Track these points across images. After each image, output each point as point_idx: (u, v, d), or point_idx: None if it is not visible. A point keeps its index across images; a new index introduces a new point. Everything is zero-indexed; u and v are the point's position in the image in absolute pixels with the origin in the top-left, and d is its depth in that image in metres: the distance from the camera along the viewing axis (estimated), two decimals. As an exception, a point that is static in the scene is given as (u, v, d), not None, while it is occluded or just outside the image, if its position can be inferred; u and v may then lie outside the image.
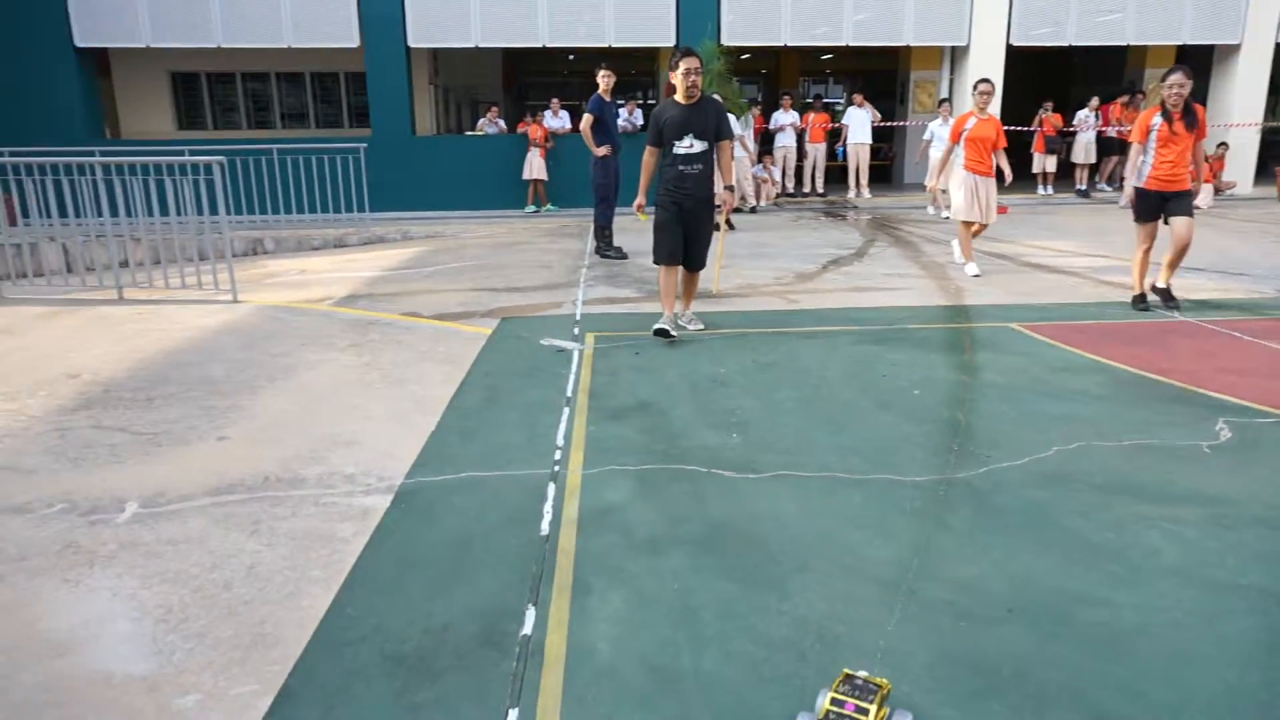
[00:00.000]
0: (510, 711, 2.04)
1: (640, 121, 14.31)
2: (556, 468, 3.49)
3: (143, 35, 12.73)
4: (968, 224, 7.61)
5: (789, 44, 13.91)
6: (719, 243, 5.69)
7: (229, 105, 15.99)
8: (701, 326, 5.69)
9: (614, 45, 13.50)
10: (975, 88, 7.38)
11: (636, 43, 13.55)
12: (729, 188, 5.55)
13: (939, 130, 11.93)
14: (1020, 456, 3.53)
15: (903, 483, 3.29)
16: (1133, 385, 4.47)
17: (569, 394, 4.44)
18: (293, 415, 4.15)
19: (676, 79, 5.24)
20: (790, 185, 14.90)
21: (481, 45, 13.36)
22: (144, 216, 7.89)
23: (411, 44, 13.07)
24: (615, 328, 5.88)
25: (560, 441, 3.77)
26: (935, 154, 11.34)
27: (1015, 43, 13.63)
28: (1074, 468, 3.41)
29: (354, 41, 12.92)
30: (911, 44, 14.03)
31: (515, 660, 2.24)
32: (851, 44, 13.87)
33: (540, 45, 13.47)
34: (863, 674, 1.98)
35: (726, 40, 13.33)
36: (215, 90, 15.87)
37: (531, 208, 13.38)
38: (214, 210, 7.24)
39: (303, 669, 2.22)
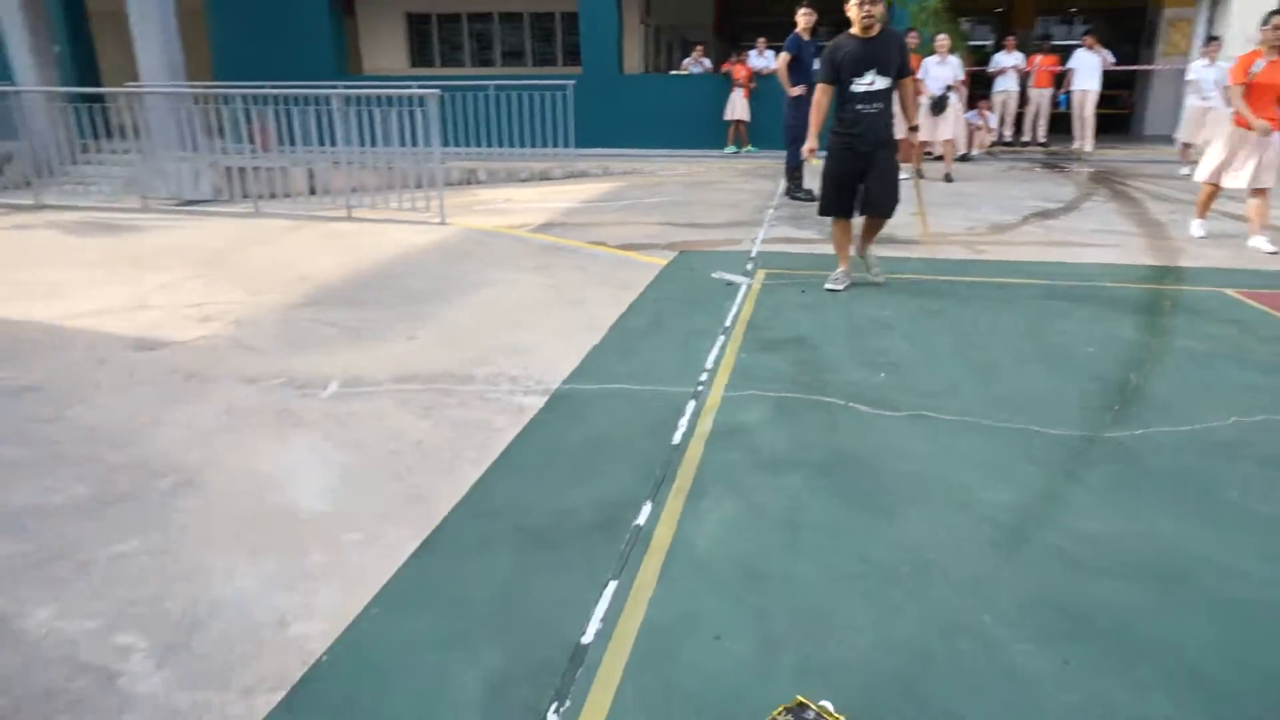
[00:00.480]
0: (610, 583, 2.29)
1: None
2: (700, 388, 3.68)
3: (385, -22, 13.79)
4: (1214, 186, 6.49)
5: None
6: (916, 189, 5.47)
7: (455, 44, 17.04)
8: (882, 281, 5.35)
9: (829, -19, 13.06)
10: (1267, 21, 6.00)
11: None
12: (914, 128, 5.24)
13: (1204, 73, 10.44)
14: (1189, 423, 3.31)
15: (1044, 434, 3.20)
16: (1353, 361, 4.00)
17: (727, 323, 4.59)
18: (474, 324, 4.60)
19: (850, 9, 4.86)
20: (1008, 133, 13.93)
21: (692, -18, 13.36)
22: (372, 146, 8.72)
23: (625, -20, 13.31)
24: (788, 266, 5.92)
25: (709, 365, 3.95)
26: (1194, 103, 10.17)
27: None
28: (1249, 439, 3.16)
29: (569, -21, 13.34)
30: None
31: (624, 544, 2.48)
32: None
33: (752, -17, 13.28)
34: (823, 703, 1.81)
35: (947, -25, 12.55)
36: (443, 30, 16.95)
37: (731, 148, 13.41)
38: (429, 142, 7.89)
39: (446, 527, 2.58)
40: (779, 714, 1.75)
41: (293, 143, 9.16)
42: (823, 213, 5.25)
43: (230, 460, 2.99)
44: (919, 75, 9.95)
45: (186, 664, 1.97)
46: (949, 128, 10.04)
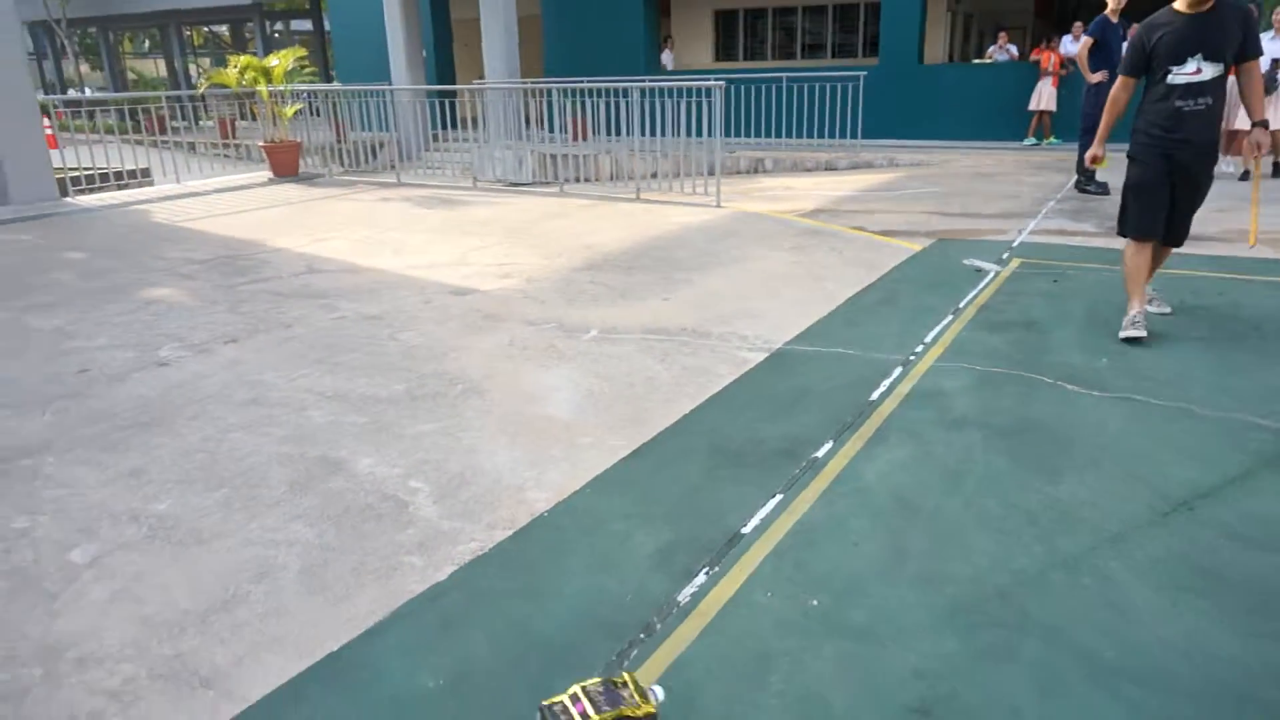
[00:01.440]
0: (777, 495, 2.72)
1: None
2: (912, 357, 3.93)
3: (695, -23, 14.72)
4: None
5: None
6: (1254, 188, 4.34)
7: (760, 38, 17.64)
8: (1168, 310, 4.47)
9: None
10: None
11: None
12: (1260, 123, 3.91)
13: None
14: None
15: (1265, 427, 3.09)
16: None
17: (960, 305, 4.72)
18: (722, 291, 5.14)
19: None
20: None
21: (1002, -35, 12.81)
22: (663, 135, 9.56)
23: (930, -31, 13.08)
24: (1050, 256, 5.81)
25: (929, 339, 4.16)
26: None
27: None
28: None
29: (873, -30, 13.36)
30: None
31: (798, 469, 2.89)
32: None
33: (1070, -39, 12.46)
34: (654, 687, 1.80)
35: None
36: (750, 24, 17.61)
37: (1031, 140, 12.75)
38: (711, 132, 8.53)
39: (655, 441, 3.15)
40: (594, 684, 1.74)
41: (601, 132, 10.30)
42: (1124, 233, 4.23)
43: (507, 378, 3.79)
44: None
45: (452, 504, 2.71)
46: (1275, 113, 8.72)
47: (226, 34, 28.42)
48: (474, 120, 11.30)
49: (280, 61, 11.05)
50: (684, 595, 2.22)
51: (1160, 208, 4.08)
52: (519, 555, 2.43)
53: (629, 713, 1.68)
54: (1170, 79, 3.90)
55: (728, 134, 13.35)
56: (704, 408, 3.45)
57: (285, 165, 11.20)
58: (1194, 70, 3.87)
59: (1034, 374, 3.67)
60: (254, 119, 14.35)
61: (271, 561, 2.38)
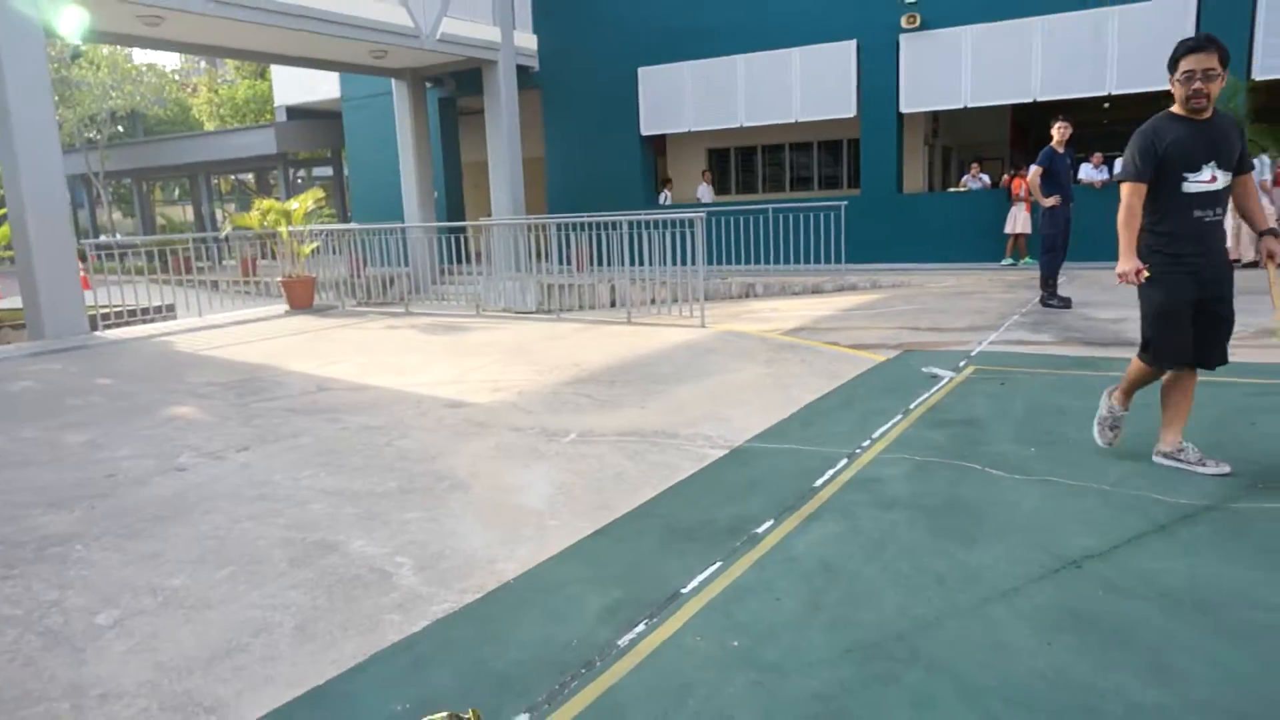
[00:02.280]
0: (717, 562, 3.07)
1: (1105, 175, 13.35)
2: (858, 450, 4.32)
3: (688, 122, 15.93)
4: None
5: (1350, 72, 11.81)
6: (1272, 281, 3.78)
7: (752, 172, 18.81)
8: (1227, 469, 3.77)
9: (1115, 92, 12.95)
10: None
11: (1142, 87, 12.78)
12: (1270, 232, 3.74)
13: None
14: (1337, 502, 3.35)
15: (1164, 502, 3.44)
16: None
17: (911, 406, 5.14)
18: (695, 399, 5.58)
19: (1174, 85, 3.62)
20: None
21: (970, 105, 13.88)
22: (653, 265, 10.25)
23: (903, 110, 14.17)
24: (1003, 363, 6.25)
25: (876, 435, 4.56)
26: None
27: None
28: (1396, 518, 3.17)
29: (851, 112, 14.47)
30: None
31: (739, 542, 3.24)
32: None
33: (1031, 100, 13.52)
34: None
35: (1259, 75, 11.89)
36: (741, 160, 18.82)
37: (1009, 260, 13.44)
38: (695, 259, 9.19)
39: (616, 523, 3.52)
40: (439, 716, 1.97)
41: (600, 263, 11.01)
42: (1161, 364, 3.86)
43: (490, 475, 4.19)
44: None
45: (431, 574, 3.07)
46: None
47: (251, 180, 30.28)
48: (479, 254, 12.10)
49: (300, 205, 11.97)
50: (624, 640, 2.56)
51: (1189, 329, 3.74)
52: (485, 613, 2.78)
53: None
54: (1185, 187, 3.65)
55: (722, 262, 14.16)
56: (663, 496, 3.83)
57: (301, 299, 11.94)
58: (1209, 178, 3.64)
59: (966, 462, 4.05)
60: (274, 257, 15.33)
61: (269, 620, 2.74)
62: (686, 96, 15.75)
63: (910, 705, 2.17)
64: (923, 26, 13.59)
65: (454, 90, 17.69)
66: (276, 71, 23.05)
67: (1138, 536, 3.12)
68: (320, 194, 12.62)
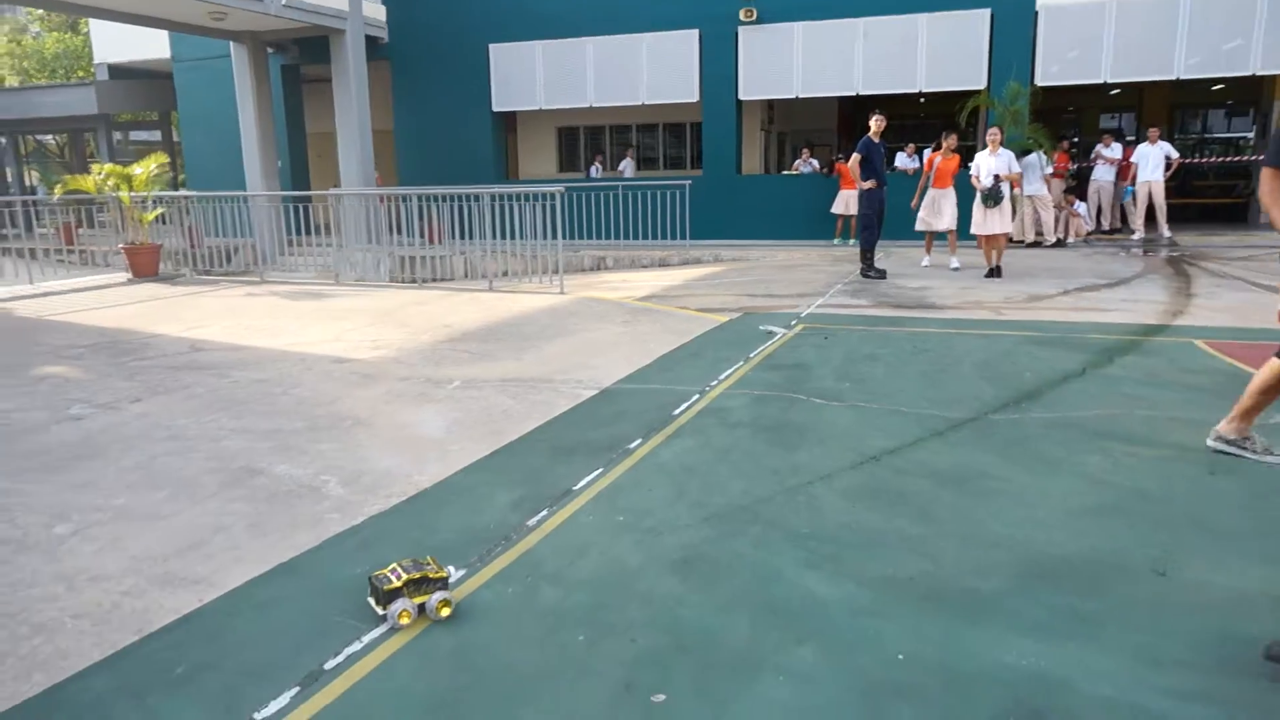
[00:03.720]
0: (599, 469, 3.76)
1: (917, 164, 14.93)
2: (707, 389, 5.12)
3: (539, 100, 16.38)
4: None
5: (1110, 80, 13.83)
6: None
7: (599, 151, 19.49)
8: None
9: (925, 90, 14.51)
10: None
11: (948, 87, 14.37)
12: None
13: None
14: (1059, 411, 4.44)
15: (942, 416, 4.43)
16: (1238, 380, 4.94)
17: (750, 355, 6.00)
18: (563, 353, 6.23)
19: None
20: (1106, 223, 14.62)
21: (801, 95, 15.13)
22: (513, 239, 10.74)
23: (742, 97, 15.24)
24: (827, 322, 7.27)
25: (722, 377, 5.38)
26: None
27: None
28: (1094, 423, 4.26)
29: (694, 97, 15.39)
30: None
31: (615, 454, 3.95)
32: (1182, 77, 13.43)
33: (854, 94, 14.92)
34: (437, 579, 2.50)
35: (1040, 81, 13.68)
36: (589, 140, 19.46)
37: (838, 240, 14.79)
38: (554, 231, 9.79)
39: (509, 446, 4.14)
40: (406, 561, 2.53)
41: (455, 235, 11.37)
42: None
43: (387, 415, 4.69)
44: (972, 170, 10.09)
45: (356, 487, 3.59)
46: (998, 222, 9.85)
47: (53, 142, 27.97)
48: (328, 226, 12.15)
49: (143, 169, 11.60)
50: (531, 521, 3.21)
51: None
52: (412, 510, 3.35)
53: (430, 574, 2.52)
54: None
55: (573, 237, 14.76)
56: (547, 425, 4.48)
57: (145, 266, 11.61)
58: None
59: (795, 394, 4.93)
60: (93, 225, 14.61)
61: (222, 523, 3.19)
62: (538, 75, 16.19)
63: (751, 546, 2.95)
64: (759, 20, 14.65)
65: (298, 57, 17.29)
66: (95, 26, 21.51)
67: (920, 439, 4.07)
68: (164, 158, 12.24)
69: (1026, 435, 4.10)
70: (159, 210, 12.00)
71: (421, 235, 12.70)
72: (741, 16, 14.66)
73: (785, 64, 14.78)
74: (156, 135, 25.12)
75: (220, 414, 4.68)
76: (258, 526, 3.17)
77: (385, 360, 6.05)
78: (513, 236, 10.64)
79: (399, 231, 12.68)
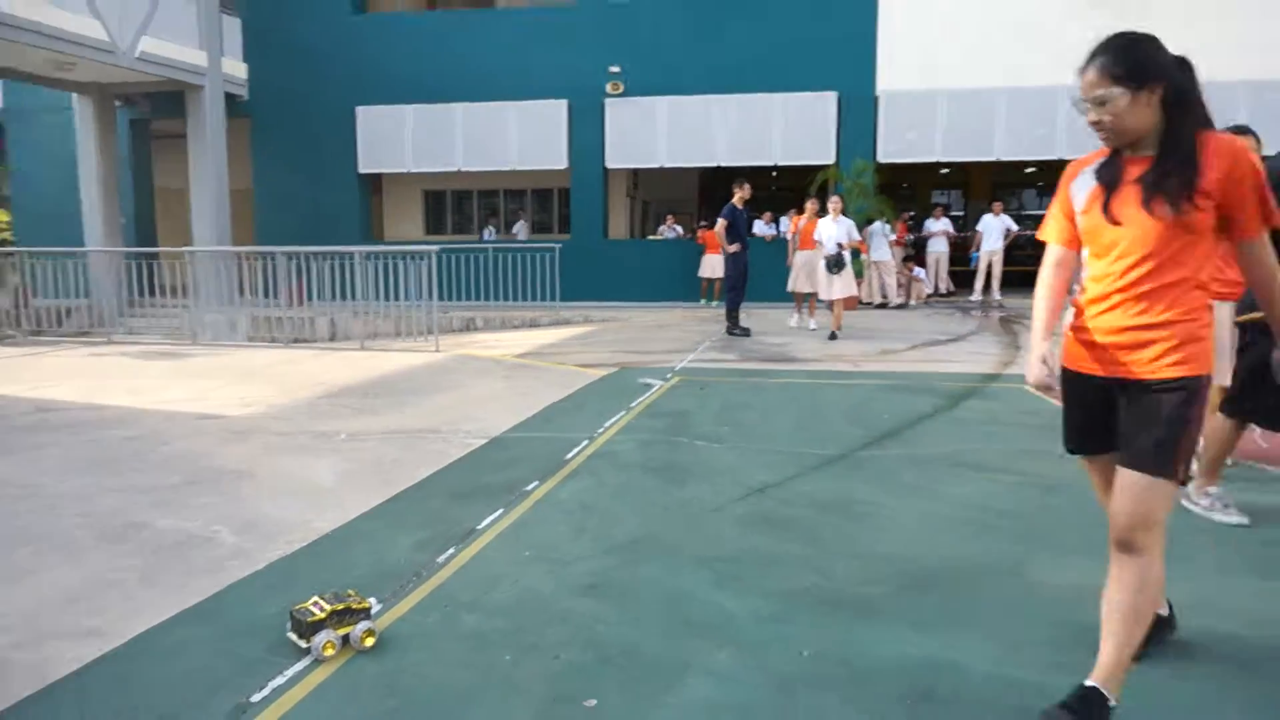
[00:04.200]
0: (499, 509, 3.83)
1: (774, 230, 15.91)
2: (595, 434, 5.28)
3: (406, 163, 16.39)
4: None
5: (941, 159, 15.27)
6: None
7: (466, 214, 19.60)
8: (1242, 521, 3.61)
9: (781, 163, 15.53)
10: None
11: (801, 161, 15.42)
12: None
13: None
14: (919, 448, 4.88)
15: (814, 453, 4.77)
16: (1052, 416, 5.57)
17: (632, 405, 6.23)
18: (447, 406, 6.25)
19: None
20: (944, 287, 15.95)
21: (666, 165, 15.85)
22: (384, 300, 10.62)
23: (609, 165, 15.80)
24: (700, 375, 7.61)
25: (607, 425, 5.56)
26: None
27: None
28: (950, 456, 4.71)
29: (564, 164, 15.82)
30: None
31: (514, 496, 4.03)
32: (1001, 158, 15.02)
33: (716, 164, 15.78)
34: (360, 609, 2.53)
35: (882, 158, 14.93)
36: (456, 204, 19.55)
37: (704, 301, 15.40)
38: (429, 295, 9.79)
39: (406, 493, 4.14)
40: (327, 594, 2.55)
41: (319, 296, 11.10)
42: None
43: (271, 468, 4.58)
44: (815, 236, 10.38)
45: (252, 536, 3.51)
46: (840, 286, 10.13)
47: None
48: (176, 287, 11.61)
49: (-26, 222, 10.79)
50: (440, 559, 3.25)
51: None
52: (315, 553, 3.31)
53: (353, 605, 2.54)
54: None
55: (443, 298, 14.69)
56: (440, 473, 4.50)
57: (-29, 326, 10.71)
58: None
59: (679, 438, 5.17)
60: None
61: (109, 579, 3.06)
62: (406, 138, 16.24)
63: (658, 571, 3.11)
64: (626, 93, 15.34)
65: (148, 111, 16.62)
66: (-90, 72, 19.88)
67: (798, 474, 4.37)
68: (4, 215, 11.41)
69: (891, 468, 4.49)
70: (-10, 266, 11.15)
71: (276, 296, 12.30)
72: (608, 89, 15.30)
73: (650, 135, 15.49)
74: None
75: (85, 473, 4.44)
76: (150, 579, 3.05)
77: (259, 416, 5.88)
78: (383, 298, 10.53)
79: (258, 293, 12.26)
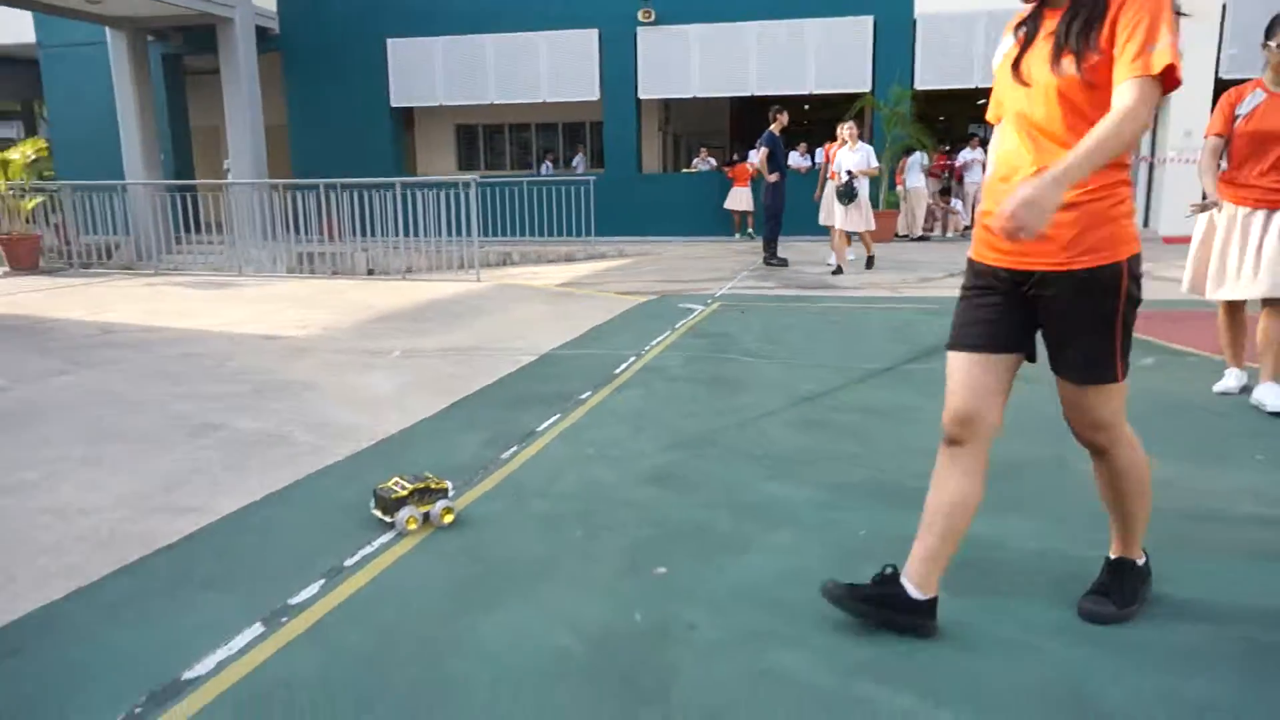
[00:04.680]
0: (556, 415, 3.97)
1: (809, 162, 15.72)
2: (642, 352, 5.40)
3: (438, 96, 16.33)
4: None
5: (980, 85, 14.93)
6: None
7: (498, 150, 19.54)
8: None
9: (815, 91, 15.28)
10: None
11: (836, 89, 15.16)
12: None
13: None
14: (964, 363, 4.94)
15: (861, 367, 4.86)
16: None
17: (676, 326, 6.32)
18: (495, 327, 6.39)
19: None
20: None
21: (699, 95, 15.67)
22: (419, 237, 10.66)
23: (641, 96, 15.63)
24: (741, 301, 7.67)
25: (653, 343, 5.67)
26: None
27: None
28: (996, 369, 4.77)
29: (595, 95, 15.68)
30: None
31: (570, 403, 4.17)
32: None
33: (749, 94, 15.56)
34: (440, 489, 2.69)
35: (919, 85, 14.64)
36: (489, 139, 19.49)
37: (737, 235, 15.35)
38: (468, 227, 9.85)
39: (465, 400, 4.30)
40: (406, 475, 2.70)
41: (355, 232, 11.15)
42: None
43: (333, 380, 4.76)
44: (832, 164, 9.81)
45: (322, 435, 3.69)
46: (858, 219, 9.54)
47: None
48: (217, 224, 11.76)
49: (20, 154, 11.00)
50: (504, 455, 3.40)
51: None
52: (384, 450, 3.49)
53: (432, 485, 2.71)
54: None
55: (468, 228, 14.80)
56: (495, 384, 4.66)
57: (24, 258, 11.01)
58: None
59: (724, 355, 5.27)
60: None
61: (197, 466, 3.25)
62: (437, 71, 16.15)
63: (716, 465, 3.25)
64: (657, 21, 15.09)
65: (180, 47, 16.65)
66: (-53, 10, 19.99)
67: (846, 385, 4.47)
68: (43, 143, 11.61)
69: (937, 378, 4.50)
70: (38, 199, 11.39)
71: (320, 232, 12.44)
72: (640, 17, 15.06)
73: (683, 65, 15.27)
74: (13, 132, 23.55)
75: (159, 382, 4.64)
76: (234, 468, 3.24)
77: (316, 336, 6.06)
78: (417, 234, 10.56)
79: (296, 229, 12.39)
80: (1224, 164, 3.91)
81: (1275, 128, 3.65)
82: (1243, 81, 3.95)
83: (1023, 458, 3.30)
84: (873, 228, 9.88)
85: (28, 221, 11.51)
